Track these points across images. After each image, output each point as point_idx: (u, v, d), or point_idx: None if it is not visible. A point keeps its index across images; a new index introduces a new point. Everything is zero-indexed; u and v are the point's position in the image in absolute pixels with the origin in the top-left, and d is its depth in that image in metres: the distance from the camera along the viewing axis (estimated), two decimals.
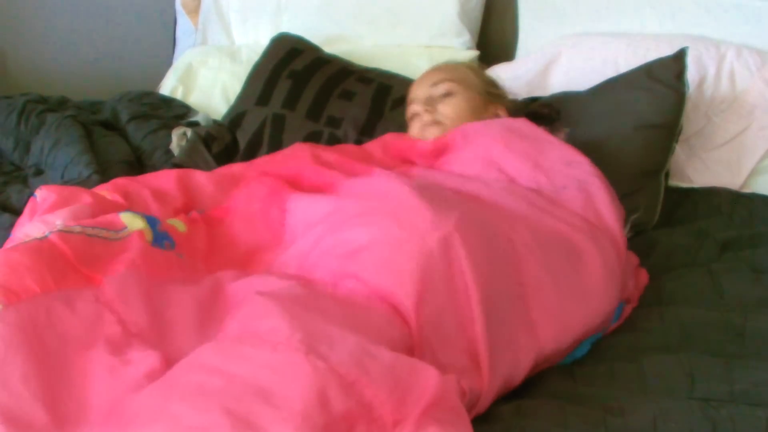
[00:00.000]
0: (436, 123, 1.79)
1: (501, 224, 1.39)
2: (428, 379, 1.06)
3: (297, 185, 1.60)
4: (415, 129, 1.83)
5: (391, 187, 1.43)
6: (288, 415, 0.97)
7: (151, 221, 1.38)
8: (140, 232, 1.33)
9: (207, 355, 1.08)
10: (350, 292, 1.27)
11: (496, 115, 1.84)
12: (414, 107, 1.85)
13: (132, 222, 1.35)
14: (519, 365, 1.28)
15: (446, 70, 1.88)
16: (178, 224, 1.45)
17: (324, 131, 2.08)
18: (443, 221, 1.30)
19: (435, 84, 1.83)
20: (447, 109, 1.79)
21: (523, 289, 1.33)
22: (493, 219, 1.40)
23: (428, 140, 1.76)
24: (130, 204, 1.49)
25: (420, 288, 1.23)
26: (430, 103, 1.81)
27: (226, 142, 2.07)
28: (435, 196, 1.39)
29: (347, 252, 1.31)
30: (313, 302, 1.19)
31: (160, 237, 1.37)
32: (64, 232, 1.26)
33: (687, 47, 2.00)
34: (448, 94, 1.81)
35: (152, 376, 1.09)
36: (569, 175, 1.58)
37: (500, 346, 1.25)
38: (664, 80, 1.94)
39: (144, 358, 1.11)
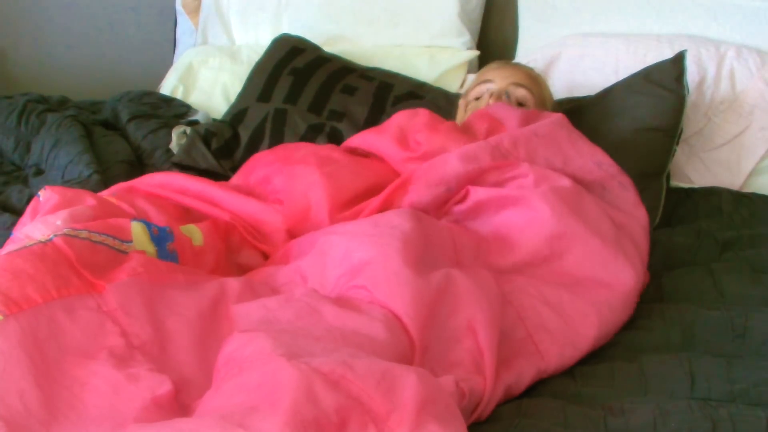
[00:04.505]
0: None
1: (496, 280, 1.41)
2: (410, 373, 1.06)
3: None
4: (479, 107, 1.84)
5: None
6: (277, 411, 0.97)
7: (161, 238, 1.37)
8: (143, 252, 1.33)
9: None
10: (352, 299, 1.28)
11: None
12: (486, 87, 1.88)
13: (139, 239, 1.34)
14: (521, 378, 1.29)
15: (533, 81, 1.91)
16: (195, 233, 1.44)
17: (326, 124, 2.09)
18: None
19: (518, 85, 1.87)
20: None
21: (522, 322, 1.35)
22: (483, 276, 1.40)
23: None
24: (138, 213, 1.48)
25: (419, 309, 1.24)
26: (501, 98, 1.84)
27: (225, 138, 2.08)
28: (425, 257, 1.38)
29: (352, 267, 1.32)
30: (305, 331, 1.19)
31: (163, 257, 1.36)
32: (69, 236, 1.25)
33: (686, 50, 2.00)
34: (520, 104, 1.85)
35: (160, 402, 1.09)
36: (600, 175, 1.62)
37: (503, 359, 1.27)
38: (664, 84, 1.94)
39: (153, 381, 1.11)
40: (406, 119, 1.80)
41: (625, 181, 1.64)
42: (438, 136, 1.69)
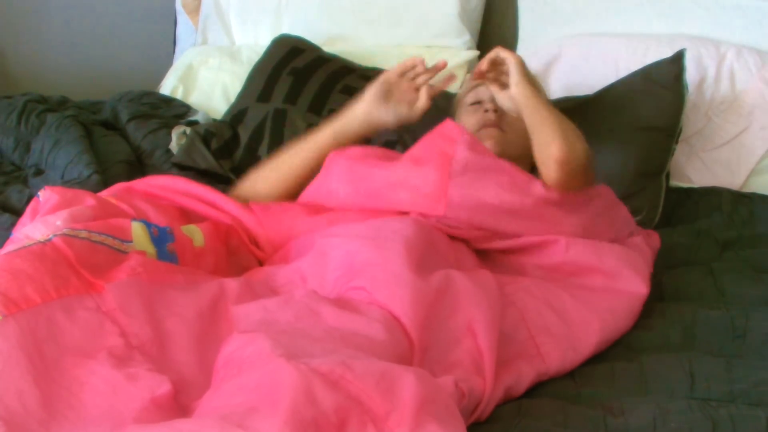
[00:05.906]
0: (499, 129, 1.67)
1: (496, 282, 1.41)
2: (409, 373, 1.06)
3: None
4: (471, 119, 1.71)
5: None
6: (276, 411, 0.97)
7: (161, 239, 1.37)
8: (143, 252, 1.33)
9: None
10: (351, 300, 1.28)
11: None
12: (483, 93, 1.74)
13: (139, 239, 1.34)
14: (521, 380, 1.29)
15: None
16: (196, 234, 1.44)
17: None
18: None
19: None
20: (515, 127, 1.65)
21: (525, 323, 1.36)
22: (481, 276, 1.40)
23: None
24: (138, 213, 1.48)
25: (418, 310, 1.24)
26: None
27: (225, 138, 2.08)
28: (426, 260, 1.38)
29: (352, 268, 1.32)
30: (304, 332, 1.19)
31: (163, 258, 1.36)
32: (68, 236, 1.25)
33: (685, 49, 2.00)
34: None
35: (159, 402, 1.09)
36: None
37: (503, 360, 1.27)
38: (663, 83, 1.94)
39: (153, 381, 1.11)
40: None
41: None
42: None
